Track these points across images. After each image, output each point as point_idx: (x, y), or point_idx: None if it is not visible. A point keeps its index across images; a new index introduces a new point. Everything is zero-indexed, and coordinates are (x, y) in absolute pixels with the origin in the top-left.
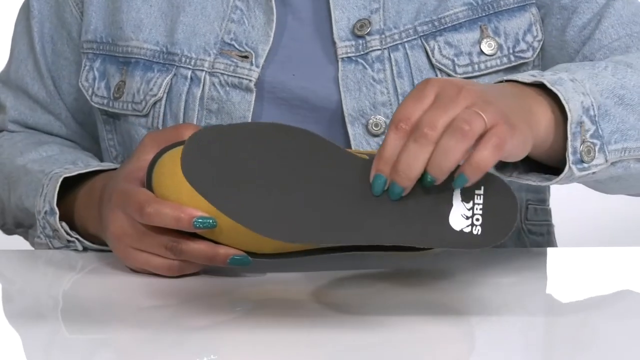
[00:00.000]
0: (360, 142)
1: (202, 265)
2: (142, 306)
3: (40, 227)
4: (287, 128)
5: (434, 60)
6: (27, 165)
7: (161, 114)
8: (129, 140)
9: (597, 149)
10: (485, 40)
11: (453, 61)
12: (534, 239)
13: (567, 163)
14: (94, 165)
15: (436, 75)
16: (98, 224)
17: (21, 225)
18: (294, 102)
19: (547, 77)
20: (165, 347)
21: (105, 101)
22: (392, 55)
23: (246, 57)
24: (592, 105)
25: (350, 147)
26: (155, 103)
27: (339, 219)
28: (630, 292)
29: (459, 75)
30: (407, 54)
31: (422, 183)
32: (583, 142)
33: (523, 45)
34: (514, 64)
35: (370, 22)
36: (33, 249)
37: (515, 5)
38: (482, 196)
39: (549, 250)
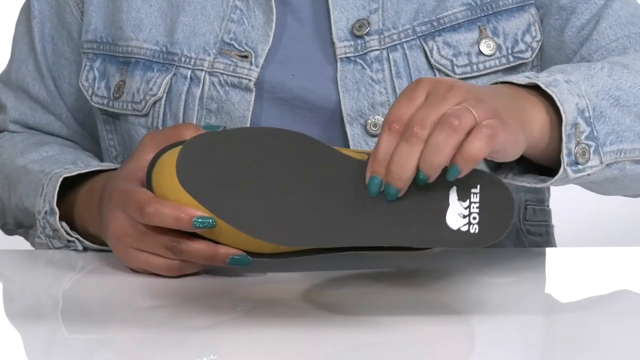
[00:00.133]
0: (358, 142)
1: (202, 265)
2: (142, 306)
3: (40, 227)
4: (282, 132)
5: (432, 61)
6: (27, 165)
7: (161, 114)
8: (129, 140)
9: (592, 150)
10: (484, 40)
11: (452, 61)
12: (533, 239)
13: (562, 165)
14: (94, 165)
15: (435, 76)
16: (98, 224)
17: (21, 226)
18: (293, 102)
19: (542, 79)
20: (165, 347)
21: (105, 101)
22: (390, 56)
23: (246, 56)
24: (587, 106)
25: (349, 147)
26: (155, 103)
27: (335, 221)
28: (629, 292)
29: (457, 76)
30: (405, 54)
31: (416, 182)
32: (578, 143)
33: (522, 46)
34: (512, 64)
35: (369, 23)
36: (33, 249)
37: (514, 6)
38: (478, 194)
39: (548, 250)
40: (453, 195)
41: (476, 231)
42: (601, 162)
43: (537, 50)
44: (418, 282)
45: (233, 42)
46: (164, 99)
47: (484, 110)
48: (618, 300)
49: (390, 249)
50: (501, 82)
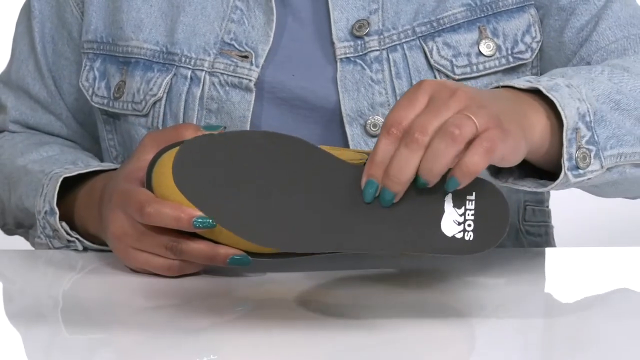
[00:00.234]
0: (358, 143)
1: (202, 265)
2: (142, 306)
3: (41, 227)
4: (278, 136)
5: (432, 61)
6: (27, 165)
7: (161, 114)
8: (129, 140)
9: (592, 155)
10: (483, 41)
11: (451, 62)
12: (532, 239)
13: (563, 169)
14: (94, 165)
15: (434, 76)
16: (98, 224)
17: (21, 226)
18: (293, 102)
19: (543, 83)
20: (165, 347)
21: (106, 101)
22: (390, 56)
23: (246, 57)
24: (588, 111)
25: (348, 147)
26: (155, 103)
27: (330, 226)
28: (629, 292)
29: (457, 77)
30: (405, 54)
31: (416, 185)
32: (579, 148)
33: (522, 47)
34: (512, 65)
35: (368, 23)
36: (33, 249)
37: (514, 6)
38: (473, 202)
39: (548, 250)
40: (448, 202)
41: (470, 238)
42: (602, 167)
43: (536, 51)
44: (418, 283)
45: (233, 42)
46: (164, 99)
47: (486, 117)
48: (618, 300)
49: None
50: (502, 86)
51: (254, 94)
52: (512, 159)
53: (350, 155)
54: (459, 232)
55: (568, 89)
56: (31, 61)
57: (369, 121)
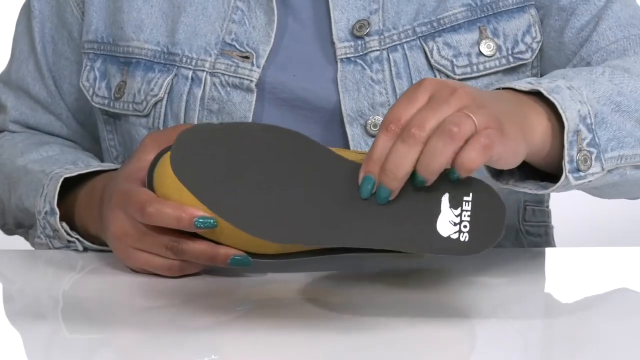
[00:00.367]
0: (358, 143)
1: (203, 265)
2: (142, 306)
3: (41, 227)
4: (277, 129)
5: (432, 61)
6: (27, 165)
7: (162, 114)
8: (130, 141)
9: (593, 157)
10: (484, 41)
11: (452, 62)
12: (532, 239)
13: (564, 172)
14: (95, 165)
15: (435, 76)
16: (99, 224)
17: (22, 226)
18: (294, 103)
19: (544, 85)
20: (165, 347)
21: (106, 101)
22: (390, 56)
23: (247, 57)
24: (589, 113)
25: (349, 147)
26: (156, 103)
27: (329, 221)
28: (629, 292)
29: (457, 77)
30: (405, 54)
31: (414, 183)
32: (580, 150)
33: (522, 47)
34: (512, 65)
35: (369, 23)
36: (33, 249)
37: (515, 7)
38: (470, 202)
39: (547, 250)
40: (445, 202)
41: (466, 239)
42: (602, 169)
43: (537, 51)
44: (418, 283)
45: (234, 42)
46: (165, 99)
47: (485, 117)
48: (618, 300)
49: (384, 251)
50: (503, 88)
51: (255, 94)
52: (511, 161)
53: (352, 156)
54: (455, 232)
55: (569, 91)
56: (31, 61)
57: (370, 121)
